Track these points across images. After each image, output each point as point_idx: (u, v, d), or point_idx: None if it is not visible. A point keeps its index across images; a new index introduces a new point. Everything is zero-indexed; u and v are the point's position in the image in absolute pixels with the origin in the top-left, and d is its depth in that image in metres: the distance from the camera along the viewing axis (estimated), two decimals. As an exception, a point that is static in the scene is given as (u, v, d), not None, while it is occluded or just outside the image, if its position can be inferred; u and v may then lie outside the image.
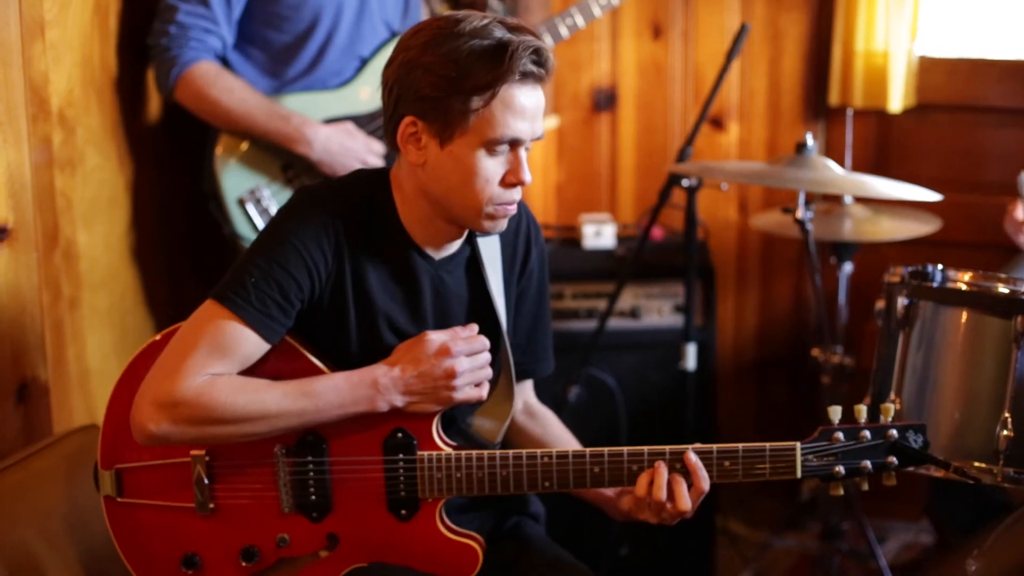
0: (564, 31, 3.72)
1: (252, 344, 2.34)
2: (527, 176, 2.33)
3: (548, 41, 3.69)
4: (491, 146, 2.29)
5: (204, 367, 2.31)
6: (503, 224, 2.40)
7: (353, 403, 2.37)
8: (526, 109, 2.29)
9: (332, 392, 2.35)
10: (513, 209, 2.38)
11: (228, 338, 2.32)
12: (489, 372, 2.43)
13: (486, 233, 2.44)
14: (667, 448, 2.37)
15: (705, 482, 2.35)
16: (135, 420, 2.34)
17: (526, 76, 2.28)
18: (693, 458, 2.35)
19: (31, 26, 2.91)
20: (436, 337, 2.38)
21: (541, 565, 2.53)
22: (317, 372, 2.41)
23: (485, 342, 2.42)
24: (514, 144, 2.31)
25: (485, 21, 2.28)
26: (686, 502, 2.34)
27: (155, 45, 3.29)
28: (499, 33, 2.27)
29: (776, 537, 4.28)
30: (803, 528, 4.32)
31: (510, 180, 2.33)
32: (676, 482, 2.35)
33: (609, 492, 2.54)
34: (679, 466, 2.36)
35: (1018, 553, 2.74)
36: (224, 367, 2.33)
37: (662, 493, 2.34)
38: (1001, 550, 2.76)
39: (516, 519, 2.67)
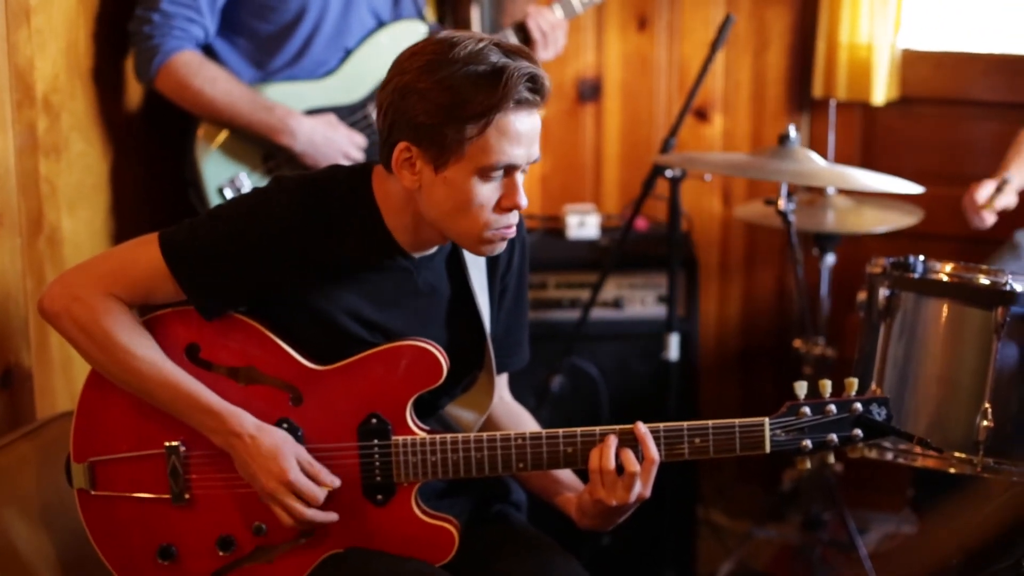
0: (579, 7, 3.72)
1: (171, 296, 2.43)
2: (523, 201, 2.32)
3: (559, 15, 3.70)
4: (485, 172, 2.28)
5: (119, 290, 2.41)
6: (501, 247, 2.39)
7: (197, 423, 2.41)
8: (521, 135, 2.27)
9: (187, 403, 2.40)
10: (511, 233, 2.37)
11: (153, 284, 2.42)
12: (309, 517, 2.40)
13: (482, 255, 2.45)
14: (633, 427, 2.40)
15: (654, 452, 2.36)
16: (44, 292, 2.43)
17: (521, 103, 2.26)
18: (642, 429, 2.38)
19: (16, 12, 2.90)
20: (288, 461, 2.37)
21: (524, 549, 2.54)
22: (288, 358, 2.43)
23: (320, 496, 2.40)
24: (509, 170, 2.30)
25: (481, 45, 2.25)
26: (634, 465, 2.35)
27: (136, 32, 3.28)
28: (494, 58, 2.24)
29: (758, 527, 4.29)
30: (785, 519, 4.33)
31: (505, 204, 2.32)
32: (624, 452, 2.36)
33: (571, 495, 2.56)
34: (630, 439, 2.39)
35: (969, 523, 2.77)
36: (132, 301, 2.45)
37: (609, 463, 2.36)
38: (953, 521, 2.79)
39: (499, 507, 2.67)
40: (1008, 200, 3.63)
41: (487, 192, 2.30)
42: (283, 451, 2.37)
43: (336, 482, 2.42)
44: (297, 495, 2.38)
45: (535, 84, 2.26)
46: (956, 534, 2.83)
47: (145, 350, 2.40)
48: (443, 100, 2.23)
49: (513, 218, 2.35)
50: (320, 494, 2.40)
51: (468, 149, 2.26)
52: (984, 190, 3.58)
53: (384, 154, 2.35)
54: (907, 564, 3.22)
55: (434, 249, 2.48)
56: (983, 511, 2.83)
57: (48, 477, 2.65)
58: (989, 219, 3.59)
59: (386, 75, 2.33)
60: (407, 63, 2.29)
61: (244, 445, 2.37)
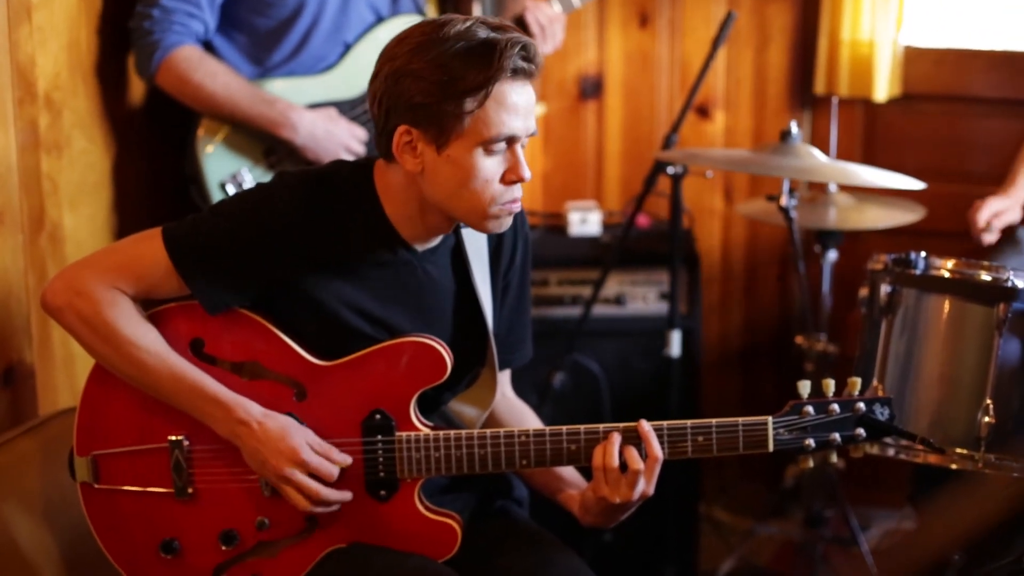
0: (577, 1, 3.74)
1: (174, 290, 2.43)
2: (526, 172, 2.33)
3: (557, 9, 3.71)
4: (488, 145, 2.29)
5: (122, 284, 2.41)
6: (508, 222, 2.40)
7: (203, 414, 2.41)
8: (519, 106, 2.29)
9: (192, 394, 2.40)
10: (517, 207, 2.38)
11: (157, 279, 2.42)
12: (325, 496, 2.40)
13: (490, 232, 2.45)
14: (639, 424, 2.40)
15: (657, 450, 2.37)
16: (47, 286, 2.43)
17: (516, 73, 2.28)
18: (645, 427, 2.38)
19: (18, 9, 2.91)
20: (298, 440, 2.37)
21: (526, 545, 2.54)
22: (293, 354, 2.43)
23: (334, 472, 2.40)
24: (510, 142, 2.31)
25: (468, 23, 2.28)
26: (638, 463, 2.36)
27: (137, 28, 3.28)
28: (484, 33, 2.27)
29: (760, 524, 4.29)
30: (787, 515, 4.33)
31: (510, 178, 2.33)
32: (627, 449, 2.37)
33: (574, 492, 2.57)
34: (634, 437, 2.39)
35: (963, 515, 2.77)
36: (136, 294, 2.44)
37: (613, 460, 2.36)
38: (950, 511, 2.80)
39: (501, 503, 2.67)
40: (1011, 217, 3.62)
41: (491, 166, 2.31)
42: (292, 432, 2.38)
43: (348, 460, 2.42)
44: (311, 474, 2.38)
45: (528, 53, 2.28)
46: (957, 530, 2.83)
47: (149, 342, 2.40)
48: (439, 77, 2.24)
49: (518, 191, 2.36)
50: (334, 470, 2.40)
51: (468, 124, 2.27)
52: (984, 214, 3.57)
53: (383, 143, 2.35)
54: (908, 560, 3.23)
55: (437, 241, 2.48)
56: (985, 507, 2.83)
57: (50, 474, 2.65)
58: (989, 237, 3.58)
59: (375, 66, 2.34)
60: (396, 49, 2.30)
61: (251, 432, 2.37)
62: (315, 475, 2.38)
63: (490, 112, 2.26)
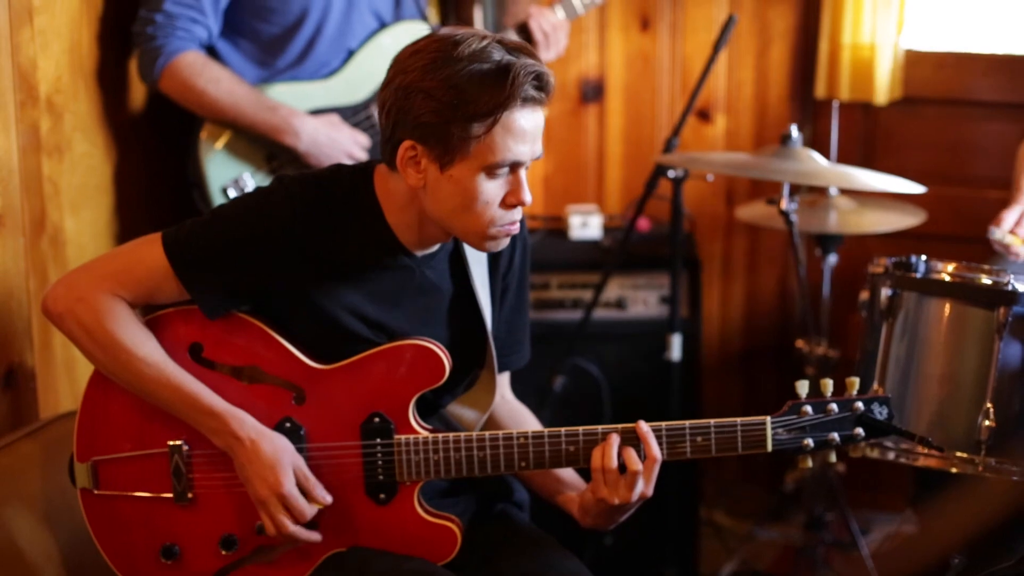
0: (580, 8, 3.74)
1: (174, 295, 2.43)
2: (527, 197, 2.33)
3: (561, 16, 3.72)
4: (492, 170, 2.28)
5: (122, 290, 2.41)
6: (505, 242, 2.41)
7: (198, 424, 2.42)
8: (527, 132, 2.28)
9: (189, 405, 2.40)
10: (516, 229, 2.38)
11: (157, 284, 2.42)
12: (292, 532, 2.40)
13: (487, 251, 2.46)
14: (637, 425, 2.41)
15: (656, 451, 2.37)
16: (48, 292, 2.43)
17: (527, 101, 2.27)
18: (644, 427, 2.39)
19: (19, 12, 2.91)
20: (285, 473, 2.37)
21: (527, 548, 2.55)
22: (291, 357, 2.43)
23: (308, 513, 2.40)
24: (514, 167, 2.31)
25: (484, 43, 2.26)
26: (636, 464, 2.36)
27: (140, 33, 3.29)
28: (498, 56, 2.25)
29: (760, 528, 4.29)
30: (787, 519, 4.33)
31: (511, 201, 2.33)
32: (626, 451, 2.37)
33: (573, 494, 2.57)
34: (632, 438, 2.39)
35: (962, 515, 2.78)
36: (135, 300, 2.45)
37: (612, 461, 2.37)
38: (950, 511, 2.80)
39: (501, 506, 2.68)
40: None
41: (493, 189, 2.30)
42: (282, 461, 2.38)
43: (328, 499, 2.42)
44: (287, 509, 2.39)
45: (541, 82, 2.27)
46: (958, 533, 2.83)
47: (148, 351, 2.40)
48: (448, 99, 2.23)
49: (517, 214, 2.36)
50: (309, 512, 2.40)
51: (474, 147, 2.26)
52: (1003, 230, 3.46)
53: (387, 152, 2.35)
54: (909, 563, 3.23)
55: (436, 247, 2.48)
56: (985, 510, 2.83)
57: (51, 477, 2.65)
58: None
59: (387, 74, 2.33)
60: (409, 62, 2.29)
61: (244, 449, 2.38)
62: (291, 511, 2.39)
63: (496, 138, 2.26)
